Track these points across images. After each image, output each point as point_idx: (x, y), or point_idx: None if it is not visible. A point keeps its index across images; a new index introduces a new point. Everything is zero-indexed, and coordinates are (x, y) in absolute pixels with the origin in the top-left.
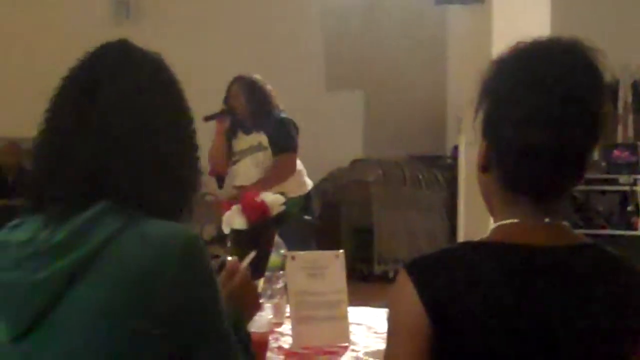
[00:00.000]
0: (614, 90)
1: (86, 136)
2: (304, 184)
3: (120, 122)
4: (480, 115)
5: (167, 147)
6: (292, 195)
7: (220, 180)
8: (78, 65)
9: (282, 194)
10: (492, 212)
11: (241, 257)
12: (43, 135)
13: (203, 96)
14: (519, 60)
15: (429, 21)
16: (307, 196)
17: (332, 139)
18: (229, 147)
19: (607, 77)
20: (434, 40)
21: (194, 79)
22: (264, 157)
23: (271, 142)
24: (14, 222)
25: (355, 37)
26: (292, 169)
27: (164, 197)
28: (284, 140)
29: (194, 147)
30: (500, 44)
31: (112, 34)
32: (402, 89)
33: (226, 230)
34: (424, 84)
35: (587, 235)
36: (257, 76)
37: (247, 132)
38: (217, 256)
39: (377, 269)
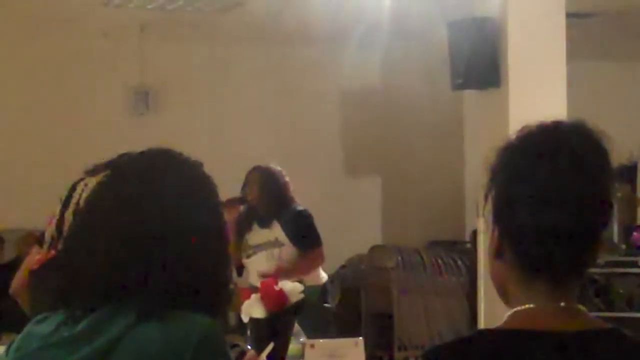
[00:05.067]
0: (631, 172)
1: (123, 242)
2: (318, 276)
3: (160, 230)
4: (490, 202)
5: (203, 254)
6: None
7: (240, 269)
8: (118, 169)
9: (299, 282)
10: (507, 299)
11: (260, 346)
12: (75, 235)
13: (222, 186)
14: (528, 142)
15: (446, 106)
16: (324, 287)
17: (350, 226)
18: (241, 240)
19: (622, 160)
20: (451, 125)
21: (213, 168)
22: (280, 254)
23: (293, 236)
24: (40, 316)
25: (373, 123)
26: (321, 262)
27: (200, 298)
28: (309, 235)
29: (227, 252)
30: (517, 127)
31: (131, 125)
32: (419, 175)
33: (245, 319)
34: (442, 169)
35: (609, 318)
36: (276, 167)
37: (263, 225)
38: (236, 345)
39: (398, 356)
